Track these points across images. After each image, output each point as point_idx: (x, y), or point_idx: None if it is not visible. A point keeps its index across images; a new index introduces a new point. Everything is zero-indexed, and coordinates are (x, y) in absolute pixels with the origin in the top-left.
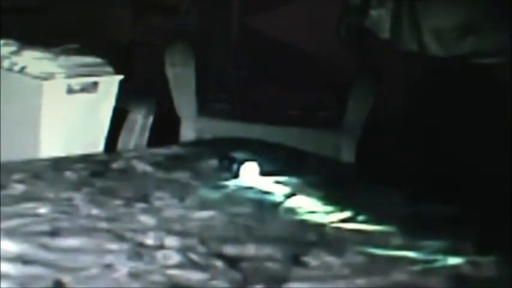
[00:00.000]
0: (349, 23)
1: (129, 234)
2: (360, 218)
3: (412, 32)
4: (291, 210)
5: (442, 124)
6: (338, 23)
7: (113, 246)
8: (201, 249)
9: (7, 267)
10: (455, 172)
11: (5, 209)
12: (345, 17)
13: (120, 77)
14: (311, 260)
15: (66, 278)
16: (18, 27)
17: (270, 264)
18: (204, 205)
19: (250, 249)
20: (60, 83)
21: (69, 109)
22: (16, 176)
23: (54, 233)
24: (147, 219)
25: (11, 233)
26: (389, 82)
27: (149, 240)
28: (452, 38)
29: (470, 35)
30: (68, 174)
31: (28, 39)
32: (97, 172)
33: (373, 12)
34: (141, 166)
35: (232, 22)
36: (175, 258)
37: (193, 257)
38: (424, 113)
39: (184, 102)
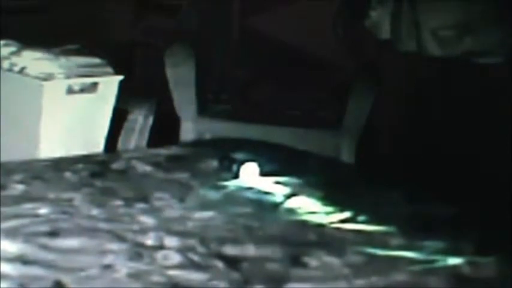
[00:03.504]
0: (345, 24)
1: (129, 235)
2: (360, 218)
3: (411, 33)
4: (291, 211)
5: (442, 124)
6: (334, 23)
7: (113, 246)
8: (201, 249)
9: (7, 268)
10: (455, 172)
11: (5, 210)
12: (341, 17)
13: (120, 77)
14: (311, 261)
15: (66, 279)
16: (18, 27)
17: (270, 265)
18: (204, 205)
19: (250, 250)
20: (60, 84)
21: (69, 109)
22: (16, 177)
23: (54, 233)
24: (147, 220)
25: (11, 234)
26: (388, 82)
27: (149, 240)
28: (451, 38)
29: (469, 34)
30: (68, 174)
31: (28, 40)
32: (97, 172)
33: (373, 13)
34: (141, 166)
35: (232, 22)
36: (175, 258)
37: (193, 257)
38: (424, 112)
39: (184, 103)
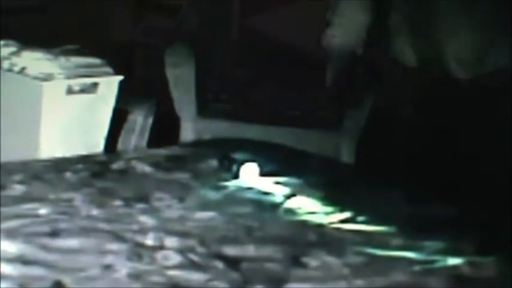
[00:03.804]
0: (338, 70)
1: (129, 235)
2: (360, 218)
3: (436, 59)
4: (291, 211)
5: (443, 124)
6: (326, 72)
7: (113, 246)
8: (201, 249)
9: (7, 268)
10: (455, 172)
11: (5, 210)
12: (333, 63)
13: (120, 77)
14: (311, 261)
15: (66, 279)
16: (18, 27)
17: (270, 265)
18: (204, 206)
19: (250, 250)
20: (60, 84)
21: (69, 110)
22: (16, 177)
23: (54, 233)
24: (147, 220)
25: (11, 234)
26: (394, 82)
27: (149, 240)
28: (475, 60)
29: (493, 54)
30: (68, 174)
31: (28, 40)
32: (97, 173)
33: (396, 43)
34: (141, 167)
35: (233, 22)
36: (175, 258)
37: (193, 257)
38: (425, 112)
39: (185, 103)
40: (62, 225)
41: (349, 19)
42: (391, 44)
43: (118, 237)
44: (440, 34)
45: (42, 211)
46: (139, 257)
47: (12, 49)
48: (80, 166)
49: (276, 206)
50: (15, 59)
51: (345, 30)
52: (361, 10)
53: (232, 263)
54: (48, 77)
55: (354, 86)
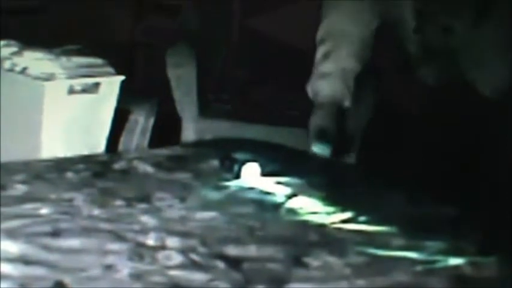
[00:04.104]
0: (324, 124)
1: (130, 235)
2: (361, 218)
3: (465, 83)
4: (292, 211)
5: (443, 124)
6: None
7: (114, 246)
8: (203, 249)
9: (8, 268)
10: (456, 172)
11: (6, 210)
12: (317, 115)
13: (122, 77)
14: (312, 261)
15: (67, 279)
16: (19, 27)
17: (271, 265)
18: (205, 206)
19: (252, 250)
20: (61, 84)
21: (71, 110)
22: (17, 177)
23: (55, 233)
24: (148, 220)
25: (12, 234)
26: (388, 81)
27: (150, 240)
28: (506, 83)
29: None
30: (69, 174)
31: (29, 40)
32: (98, 173)
33: (423, 68)
34: (142, 167)
35: (233, 22)
36: (176, 258)
37: (195, 257)
38: (425, 112)
39: (186, 103)
40: (63, 225)
41: (337, 67)
42: (415, 69)
43: (119, 237)
44: (465, 59)
45: (44, 211)
46: (140, 257)
47: (13, 49)
48: (81, 166)
49: (277, 206)
50: (16, 59)
51: (333, 79)
52: (350, 58)
53: (234, 263)
54: (49, 77)
55: (341, 139)
